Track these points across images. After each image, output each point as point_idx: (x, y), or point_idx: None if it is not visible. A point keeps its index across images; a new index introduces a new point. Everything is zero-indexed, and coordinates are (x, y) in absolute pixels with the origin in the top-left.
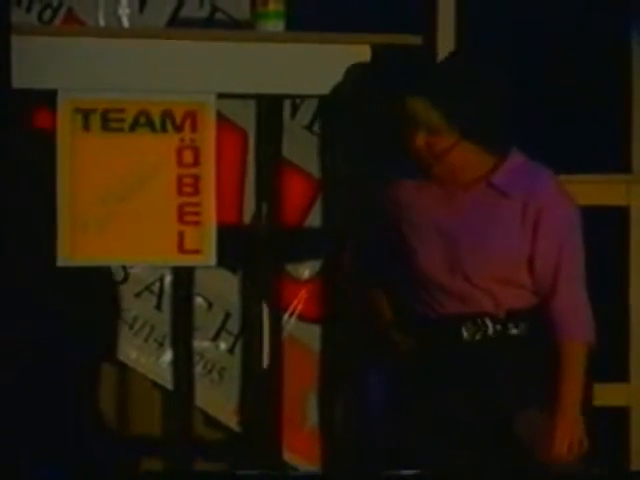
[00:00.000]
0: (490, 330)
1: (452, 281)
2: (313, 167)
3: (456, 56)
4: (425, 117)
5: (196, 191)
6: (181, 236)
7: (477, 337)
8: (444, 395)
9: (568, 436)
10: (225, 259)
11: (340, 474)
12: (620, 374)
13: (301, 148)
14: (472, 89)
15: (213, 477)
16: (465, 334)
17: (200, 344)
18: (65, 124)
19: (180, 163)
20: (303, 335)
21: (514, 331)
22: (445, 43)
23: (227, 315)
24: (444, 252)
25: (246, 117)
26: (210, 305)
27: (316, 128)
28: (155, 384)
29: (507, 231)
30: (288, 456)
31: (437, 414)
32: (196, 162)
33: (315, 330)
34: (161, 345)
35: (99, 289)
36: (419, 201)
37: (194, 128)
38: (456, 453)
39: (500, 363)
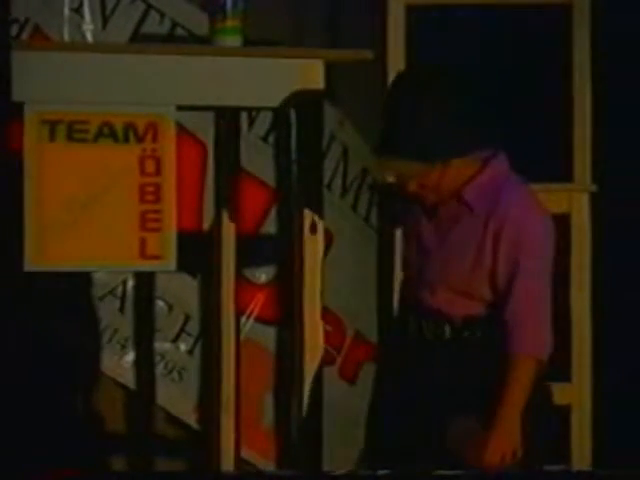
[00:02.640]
0: (447, 334)
1: (421, 288)
2: (268, 176)
3: (395, 96)
4: (406, 169)
5: (157, 199)
6: (143, 242)
7: (436, 339)
8: (407, 389)
9: (502, 445)
10: (185, 264)
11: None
12: (563, 374)
13: (257, 158)
14: (426, 118)
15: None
16: (427, 335)
17: (161, 345)
18: (32, 135)
19: (142, 172)
20: (259, 337)
21: (469, 338)
22: (396, 58)
23: (187, 318)
24: (419, 261)
25: (205, 128)
26: (170, 308)
27: (271, 139)
28: (118, 383)
29: (469, 245)
30: (245, 453)
31: (400, 409)
32: (157, 171)
33: (271, 332)
34: (124, 346)
35: (65, 292)
36: (413, 212)
37: (155, 139)
38: (412, 451)
39: (452, 364)
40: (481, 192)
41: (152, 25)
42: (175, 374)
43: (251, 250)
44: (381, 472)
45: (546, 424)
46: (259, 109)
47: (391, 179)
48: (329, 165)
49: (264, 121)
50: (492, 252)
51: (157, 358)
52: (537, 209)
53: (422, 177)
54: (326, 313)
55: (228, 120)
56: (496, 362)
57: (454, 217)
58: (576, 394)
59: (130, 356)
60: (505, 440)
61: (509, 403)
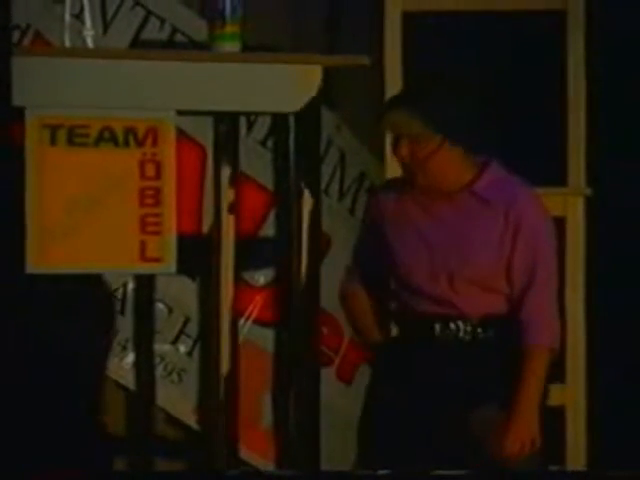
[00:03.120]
0: (461, 332)
1: (433, 285)
2: (267, 180)
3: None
4: (406, 127)
5: (157, 202)
6: (143, 245)
7: (449, 338)
8: (415, 392)
9: (521, 435)
10: (185, 267)
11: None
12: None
13: (256, 162)
14: (447, 94)
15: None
16: (438, 334)
17: (161, 347)
18: (33, 139)
19: (142, 176)
20: (258, 338)
21: (484, 335)
22: (392, 64)
23: (186, 320)
24: (425, 257)
25: (204, 133)
26: (170, 310)
27: (270, 143)
28: (118, 384)
29: (488, 237)
30: (244, 453)
31: (408, 409)
32: (157, 175)
33: (269, 334)
34: (124, 348)
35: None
36: (403, 208)
37: (155, 143)
38: (425, 448)
39: (467, 364)
40: (494, 187)
41: (152, 31)
42: (175, 375)
43: (250, 253)
44: (381, 472)
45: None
46: (258, 114)
47: (389, 136)
48: (326, 169)
49: (263, 125)
50: (511, 245)
51: (157, 359)
52: (544, 207)
53: (416, 144)
54: (323, 315)
55: (227, 124)
56: (511, 355)
57: (466, 213)
58: (570, 395)
59: (130, 357)
60: (525, 429)
61: (529, 393)
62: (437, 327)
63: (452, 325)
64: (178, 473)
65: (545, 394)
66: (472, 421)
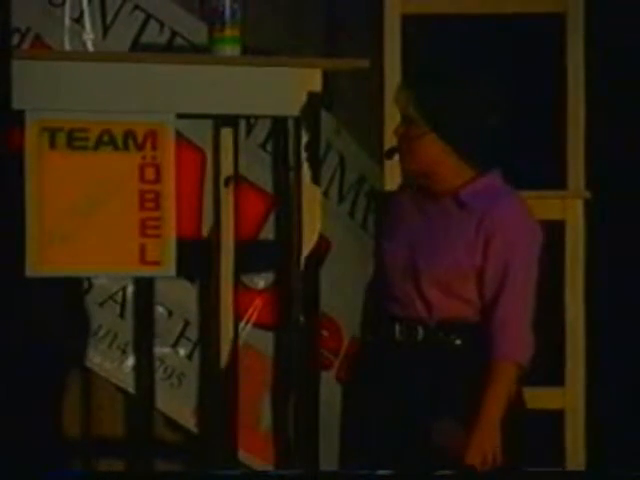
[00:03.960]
0: (420, 336)
1: (401, 286)
2: (267, 183)
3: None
4: (404, 106)
5: (157, 206)
6: (143, 248)
7: (409, 341)
8: (379, 394)
9: (482, 448)
10: (184, 270)
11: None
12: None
13: (256, 165)
14: (451, 90)
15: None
16: (399, 337)
17: (161, 350)
18: (33, 142)
19: (142, 179)
20: (258, 342)
21: (444, 340)
22: (392, 67)
23: (186, 323)
24: (403, 256)
25: (204, 136)
26: (170, 314)
27: (269, 147)
28: (118, 388)
29: (457, 241)
30: (243, 456)
31: (371, 411)
32: (157, 179)
33: (269, 337)
34: (124, 351)
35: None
36: (398, 209)
37: (155, 146)
38: (387, 451)
39: (426, 368)
40: (477, 195)
41: (152, 34)
42: (174, 379)
43: (250, 256)
44: (380, 472)
45: (521, 426)
46: (257, 117)
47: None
48: (326, 173)
49: (262, 129)
50: (483, 252)
51: (157, 363)
52: (529, 217)
53: (408, 126)
54: (323, 318)
55: (227, 128)
56: (472, 366)
57: (444, 216)
58: (569, 399)
59: (130, 361)
60: (486, 443)
61: (490, 408)
62: (398, 329)
63: (412, 327)
64: (178, 474)
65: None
66: (432, 428)
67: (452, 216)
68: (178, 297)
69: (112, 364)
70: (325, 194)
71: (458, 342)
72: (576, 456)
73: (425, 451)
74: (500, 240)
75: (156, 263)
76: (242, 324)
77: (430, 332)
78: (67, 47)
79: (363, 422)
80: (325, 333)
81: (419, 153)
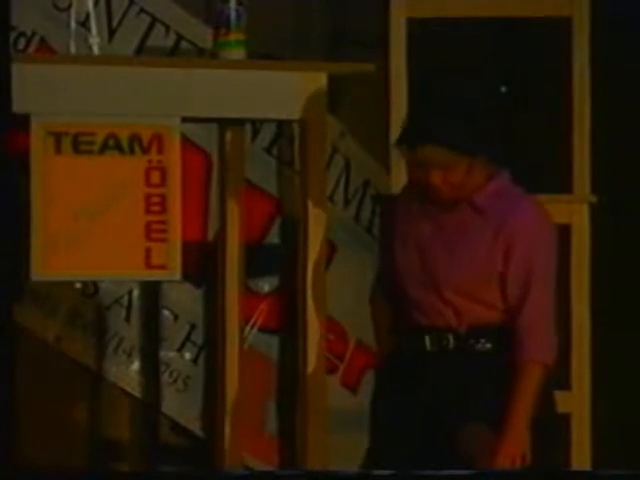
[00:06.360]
0: (451, 345)
1: (424, 295)
2: (272, 187)
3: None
4: (434, 159)
5: (163, 210)
6: (148, 252)
7: (439, 350)
8: (409, 405)
9: (512, 451)
10: (190, 274)
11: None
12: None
13: (261, 169)
14: (460, 113)
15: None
16: (429, 347)
17: (166, 354)
18: (38, 146)
19: (147, 183)
20: (263, 346)
21: (473, 346)
22: (397, 71)
23: (192, 327)
24: (420, 266)
25: (209, 140)
26: (176, 317)
27: (275, 151)
28: (123, 391)
29: (479, 248)
30: (248, 460)
31: (401, 423)
32: (162, 182)
33: (274, 341)
34: (130, 355)
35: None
36: (408, 216)
37: (160, 150)
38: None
39: (458, 376)
40: (493, 199)
41: (157, 38)
42: (180, 382)
43: (255, 260)
44: (380, 472)
45: (550, 428)
46: (263, 121)
47: (416, 170)
48: (331, 177)
49: (268, 133)
50: (505, 257)
51: (162, 367)
52: (546, 218)
53: (449, 170)
54: (328, 322)
55: (232, 132)
56: (502, 369)
57: (461, 223)
58: (576, 403)
59: (136, 365)
60: (516, 445)
61: (520, 409)
62: (427, 339)
63: (442, 337)
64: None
65: (549, 404)
66: (462, 435)
67: (469, 222)
68: (184, 301)
69: (118, 368)
70: (330, 198)
71: (488, 346)
72: (582, 460)
73: (459, 457)
74: (523, 245)
75: (161, 267)
76: (247, 328)
77: (461, 339)
78: (72, 51)
79: (397, 435)
80: (330, 337)
81: (462, 184)
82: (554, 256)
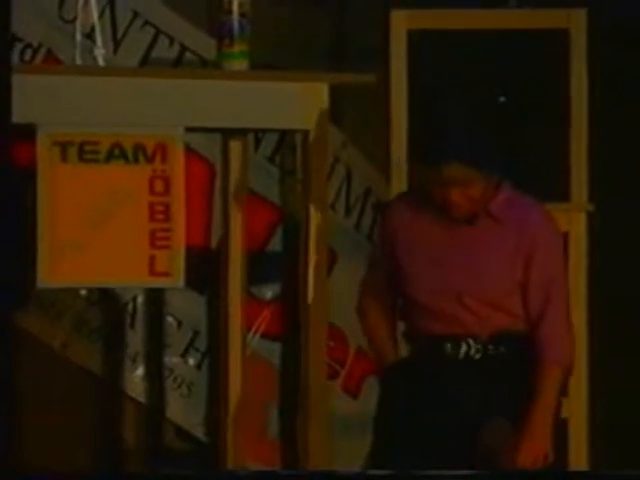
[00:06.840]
0: (472, 351)
1: (443, 303)
2: (274, 196)
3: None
4: (459, 176)
5: (167, 218)
6: (152, 260)
7: (460, 357)
8: (426, 411)
9: (535, 450)
10: (193, 281)
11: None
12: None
13: (263, 178)
14: (479, 127)
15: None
16: (449, 353)
17: (170, 360)
18: (44, 156)
19: (151, 192)
20: (266, 352)
21: (494, 352)
22: (398, 81)
23: (195, 333)
24: (438, 276)
25: (212, 149)
26: (179, 324)
27: (277, 160)
28: (128, 397)
29: (499, 256)
30: (251, 464)
31: (419, 429)
32: (166, 191)
33: (277, 347)
34: (134, 361)
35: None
36: (417, 224)
37: (164, 159)
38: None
39: (479, 382)
40: (506, 207)
41: (161, 49)
42: (184, 388)
43: (258, 268)
44: (381, 472)
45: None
46: (265, 131)
47: (435, 188)
48: (333, 186)
49: (270, 142)
50: (525, 264)
51: (166, 372)
52: (557, 224)
53: (469, 186)
54: (330, 328)
55: (235, 141)
56: (523, 372)
57: (480, 231)
58: (573, 408)
59: (140, 370)
60: (540, 445)
61: (544, 409)
62: (448, 346)
63: (463, 344)
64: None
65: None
66: (484, 439)
67: (487, 230)
68: (187, 308)
69: (122, 374)
70: (332, 207)
71: (510, 353)
72: (579, 465)
73: (482, 462)
74: (543, 252)
75: (165, 274)
76: (250, 334)
77: (483, 346)
78: (78, 62)
79: (416, 440)
80: (331, 343)
81: (481, 198)
82: (565, 259)
